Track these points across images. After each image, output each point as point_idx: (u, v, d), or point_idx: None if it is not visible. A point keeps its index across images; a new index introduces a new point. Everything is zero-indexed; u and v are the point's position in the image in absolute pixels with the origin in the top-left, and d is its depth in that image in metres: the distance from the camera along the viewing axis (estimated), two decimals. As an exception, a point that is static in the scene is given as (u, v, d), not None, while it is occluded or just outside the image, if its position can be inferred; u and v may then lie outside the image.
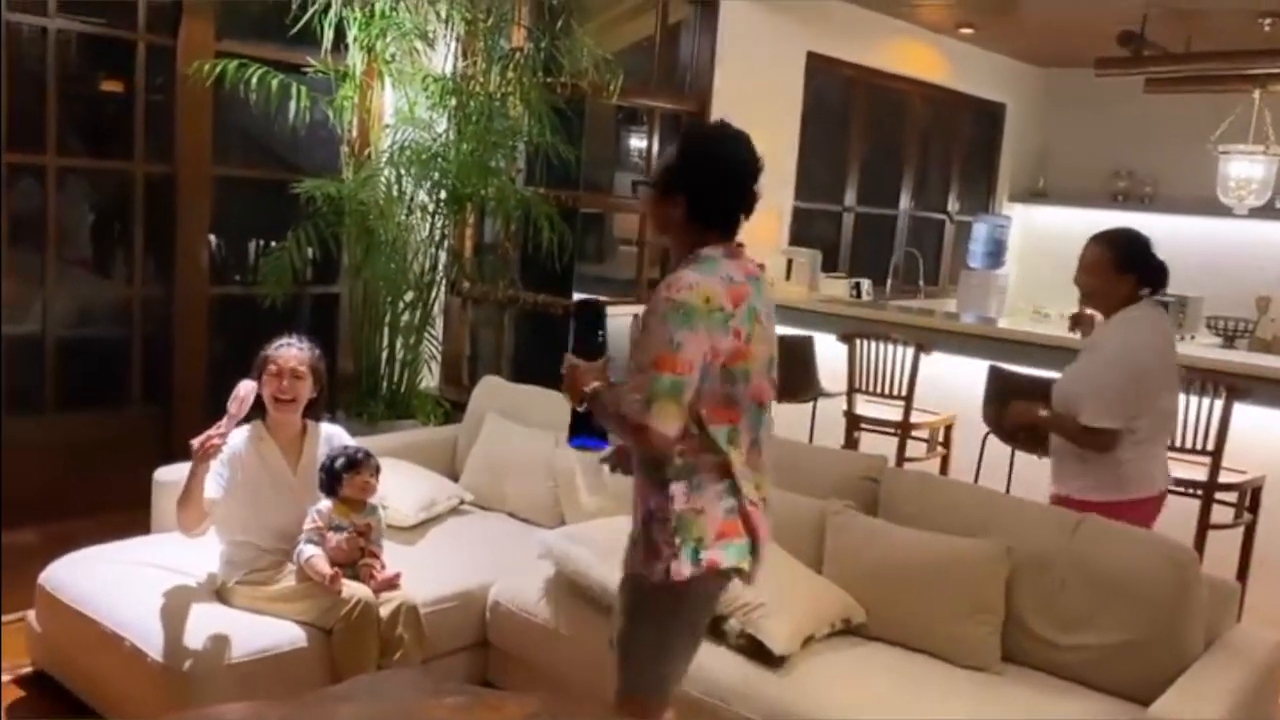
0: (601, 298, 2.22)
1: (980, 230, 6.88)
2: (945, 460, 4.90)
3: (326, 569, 2.80)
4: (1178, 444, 3.92)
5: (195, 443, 2.74)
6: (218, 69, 4.17)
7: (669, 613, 2.23)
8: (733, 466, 2.14)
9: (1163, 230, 7.75)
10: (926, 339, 4.72)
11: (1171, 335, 3.39)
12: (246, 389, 2.85)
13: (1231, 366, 4.23)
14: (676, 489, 2.13)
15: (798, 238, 6.49)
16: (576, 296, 2.18)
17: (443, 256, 4.73)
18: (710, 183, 2.17)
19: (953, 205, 8.02)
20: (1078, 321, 3.67)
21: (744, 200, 2.19)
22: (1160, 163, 7.49)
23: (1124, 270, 3.10)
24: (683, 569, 2.12)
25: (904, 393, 4.68)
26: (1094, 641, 2.69)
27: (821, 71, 6.51)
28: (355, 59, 4.43)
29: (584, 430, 2.23)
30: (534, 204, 4.62)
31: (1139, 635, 2.61)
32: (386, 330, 4.64)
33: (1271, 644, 2.69)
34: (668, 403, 2.01)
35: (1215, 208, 6.23)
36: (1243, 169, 5.90)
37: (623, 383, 2.09)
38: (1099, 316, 3.31)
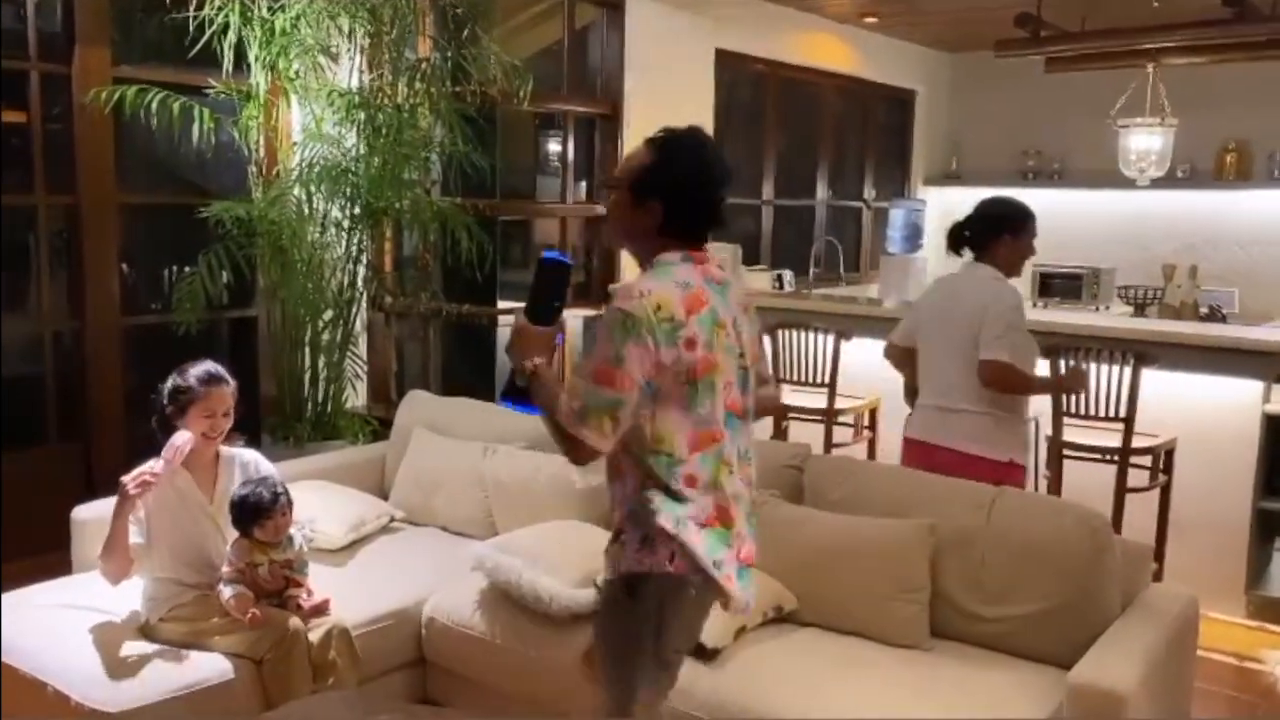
0: (565, 257, 2.12)
1: (897, 215, 6.97)
2: (872, 444, 4.98)
3: (247, 607, 2.76)
4: (1092, 412, 4.04)
5: (127, 480, 2.69)
6: (116, 95, 4.09)
7: (668, 607, 2.09)
8: (725, 506, 2.08)
9: (1072, 205, 8.06)
10: (848, 326, 4.79)
11: None
12: (184, 440, 2.79)
13: (1139, 334, 4.36)
14: (662, 521, 2.06)
15: (718, 233, 6.52)
16: (545, 253, 2.13)
17: (361, 272, 4.69)
18: (688, 190, 2.08)
19: (869, 192, 8.14)
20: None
21: (717, 210, 2.12)
22: (1065, 140, 7.69)
23: None
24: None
25: (827, 380, 4.74)
26: (1017, 611, 2.76)
27: (732, 68, 6.57)
28: (258, 78, 4.37)
29: (518, 392, 2.15)
30: (450, 214, 4.60)
31: (1058, 602, 2.69)
32: (307, 350, 4.58)
33: (1185, 600, 2.77)
34: (602, 418, 1.97)
35: (1119, 180, 6.41)
36: (1142, 141, 6.08)
37: (569, 377, 2.06)
38: None
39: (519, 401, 2.15)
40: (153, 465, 2.75)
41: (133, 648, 2.76)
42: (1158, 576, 3.79)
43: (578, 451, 2.02)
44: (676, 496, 2.05)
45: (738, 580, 2.11)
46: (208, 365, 2.95)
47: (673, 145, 2.12)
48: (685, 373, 2.01)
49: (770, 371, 2.32)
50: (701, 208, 2.10)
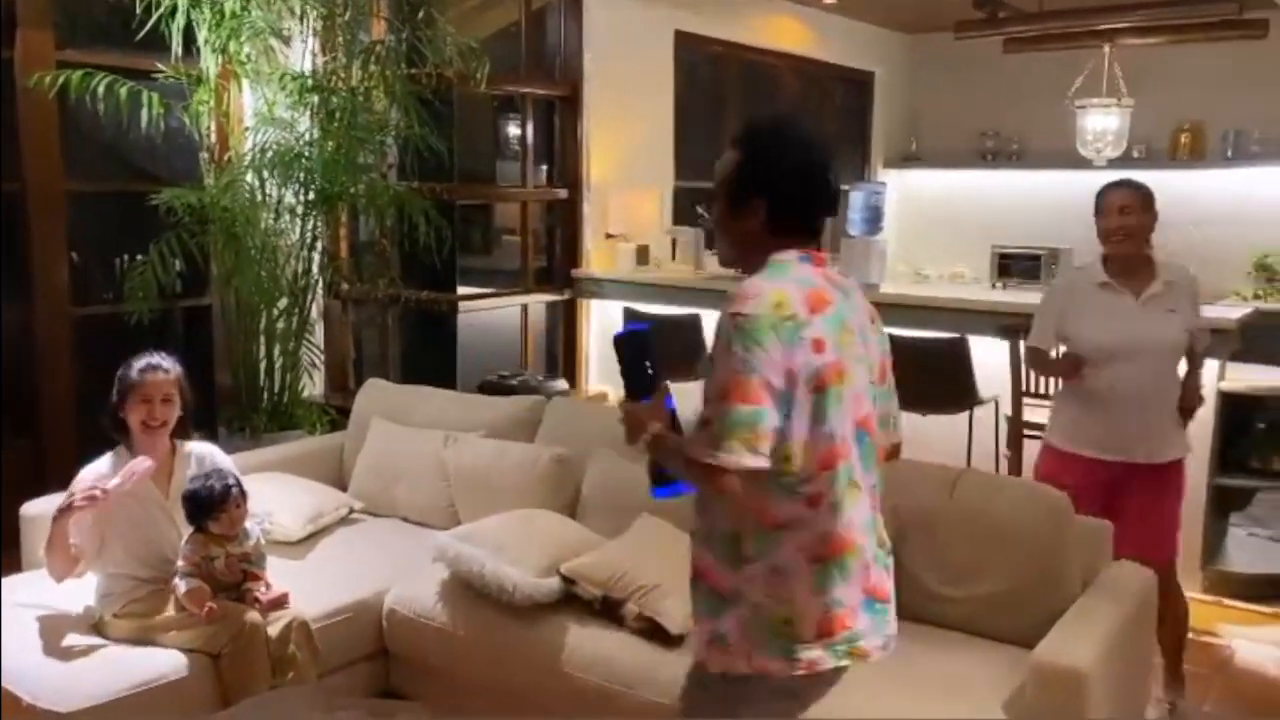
0: (641, 325, 1.95)
1: (857, 198, 6.97)
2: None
3: (204, 601, 2.72)
4: (1052, 392, 4.06)
5: (76, 491, 2.65)
6: (60, 80, 3.98)
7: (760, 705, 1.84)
8: (846, 532, 1.81)
9: (1030, 185, 8.10)
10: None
11: None
12: (144, 467, 2.73)
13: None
14: (757, 572, 1.80)
15: (680, 218, 6.51)
16: (616, 331, 1.98)
17: (316, 259, 4.62)
18: (790, 177, 1.86)
19: (830, 175, 8.13)
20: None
21: (827, 194, 1.89)
22: (1023, 121, 7.72)
23: (1150, 209, 3.22)
24: (767, 663, 1.80)
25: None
26: (980, 592, 2.77)
27: (691, 50, 6.53)
28: (208, 61, 4.28)
29: (666, 475, 1.89)
30: (407, 199, 4.53)
31: (1020, 582, 2.70)
32: (263, 339, 4.51)
33: (1144, 578, 2.80)
34: (743, 434, 1.69)
35: (1077, 161, 6.46)
36: (1098, 122, 6.13)
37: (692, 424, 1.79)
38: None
39: (669, 485, 1.88)
40: (109, 482, 2.70)
41: (85, 646, 2.70)
42: (1117, 555, 3.83)
43: (721, 486, 1.72)
44: (785, 525, 1.80)
45: (863, 612, 1.84)
46: (150, 355, 2.91)
47: (760, 134, 1.91)
48: (813, 378, 1.75)
49: (898, 410, 2.02)
50: (808, 194, 1.88)
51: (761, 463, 1.71)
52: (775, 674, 1.80)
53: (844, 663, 1.84)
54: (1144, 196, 3.21)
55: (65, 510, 2.67)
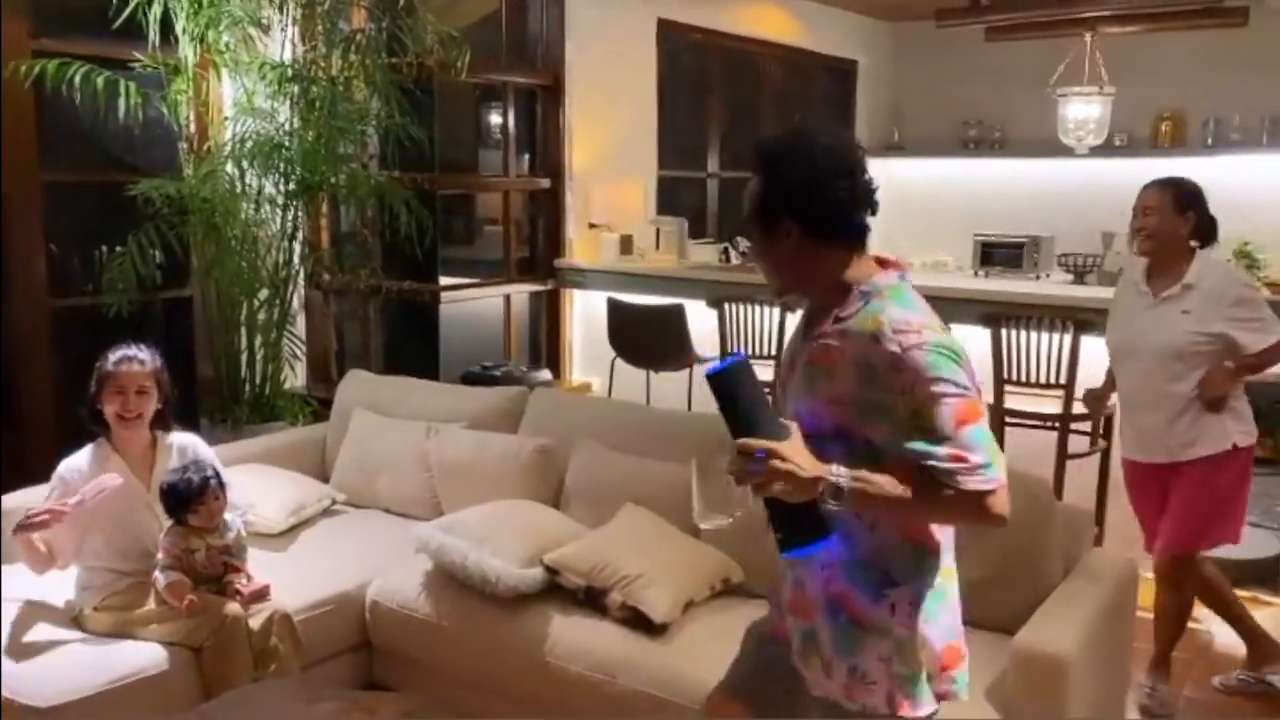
0: (738, 357, 1.72)
1: (875, 206, 7.01)
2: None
3: (184, 594, 2.70)
4: (1032, 379, 4.08)
5: (33, 512, 2.62)
6: (36, 69, 3.94)
7: None
8: (949, 566, 1.79)
9: (1012, 174, 8.11)
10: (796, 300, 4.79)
11: None
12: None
13: (1078, 301, 4.41)
14: (899, 600, 1.72)
15: (664, 206, 6.50)
16: (706, 368, 1.72)
17: (297, 250, 4.59)
18: (813, 189, 1.74)
19: (813, 164, 8.13)
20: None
21: (859, 193, 1.75)
22: (1006, 109, 7.74)
23: (1182, 210, 3.16)
24: (916, 708, 1.74)
25: (774, 353, 4.74)
26: (962, 578, 2.75)
27: (674, 38, 6.51)
28: (186, 51, 4.24)
29: (803, 529, 1.67)
30: (388, 189, 4.52)
31: (1001, 568, 2.70)
32: (244, 331, 4.49)
33: (1124, 564, 2.82)
34: (996, 453, 1.63)
35: (1059, 149, 6.48)
36: (1080, 110, 6.14)
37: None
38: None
39: (811, 541, 1.68)
40: (70, 499, 2.66)
41: (64, 639, 2.69)
42: (1098, 541, 3.85)
43: (997, 517, 1.64)
44: (936, 551, 1.76)
45: (964, 644, 1.83)
46: (126, 347, 2.88)
47: (774, 153, 1.80)
48: None
49: None
50: (833, 202, 1.75)
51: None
52: (918, 716, 1.75)
53: (964, 695, 1.81)
54: (1174, 197, 3.16)
55: (25, 526, 2.64)
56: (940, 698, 1.77)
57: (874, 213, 1.79)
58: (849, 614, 1.75)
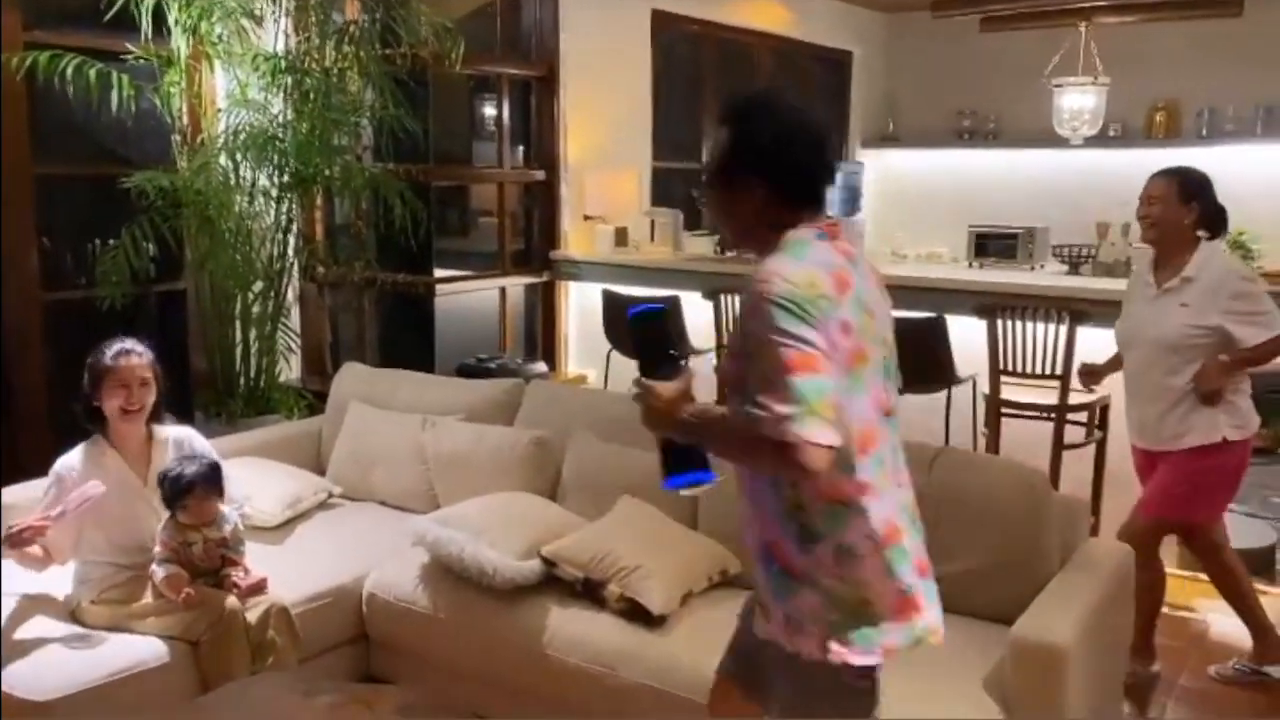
0: (657, 302, 1.83)
1: (835, 178, 7.01)
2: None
3: (181, 587, 2.69)
4: (1028, 370, 4.09)
5: (16, 527, 2.61)
6: (28, 61, 3.92)
7: (840, 700, 1.79)
8: (896, 517, 1.77)
9: (1007, 165, 8.10)
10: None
11: None
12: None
13: (1073, 292, 4.41)
14: (823, 552, 1.74)
15: (659, 198, 6.49)
16: (631, 309, 1.90)
17: (291, 242, 4.58)
18: (783, 148, 1.77)
19: (808, 154, 8.12)
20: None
21: (822, 161, 1.81)
22: (1000, 100, 7.73)
23: (1186, 200, 3.16)
24: (846, 653, 1.74)
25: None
26: (957, 569, 2.76)
27: (668, 29, 6.49)
28: (179, 42, 4.22)
29: (682, 465, 1.80)
30: (382, 181, 4.50)
31: (998, 558, 2.71)
32: (238, 324, 4.47)
33: (1120, 554, 2.82)
34: (818, 407, 1.59)
35: (1053, 140, 6.48)
36: (1075, 100, 6.13)
37: (740, 409, 1.68)
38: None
39: (689, 472, 1.79)
40: (55, 509, 2.65)
41: (62, 632, 2.69)
42: (1094, 531, 3.86)
43: (802, 466, 1.60)
44: (847, 503, 1.74)
45: (925, 595, 1.81)
46: (121, 340, 2.87)
47: (744, 110, 1.83)
48: (844, 362, 1.68)
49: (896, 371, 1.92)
50: (802, 164, 1.79)
51: (837, 438, 1.62)
52: (854, 664, 1.75)
53: (917, 645, 1.81)
54: (1179, 186, 3.16)
55: (12, 541, 2.63)
56: (892, 649, 1.77)
57: (832, 181, 1.86)
58: (780, 562, 1.80)
